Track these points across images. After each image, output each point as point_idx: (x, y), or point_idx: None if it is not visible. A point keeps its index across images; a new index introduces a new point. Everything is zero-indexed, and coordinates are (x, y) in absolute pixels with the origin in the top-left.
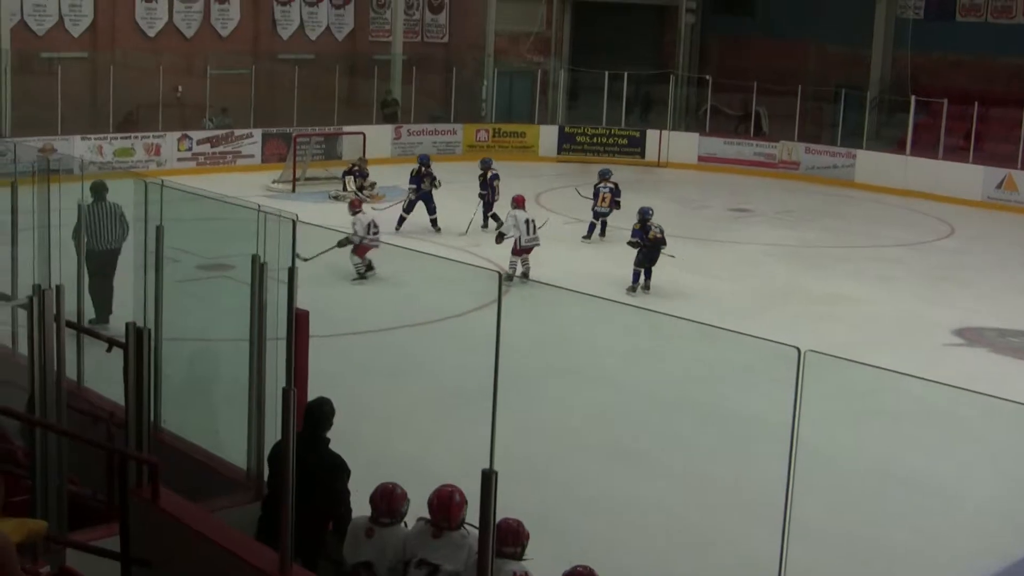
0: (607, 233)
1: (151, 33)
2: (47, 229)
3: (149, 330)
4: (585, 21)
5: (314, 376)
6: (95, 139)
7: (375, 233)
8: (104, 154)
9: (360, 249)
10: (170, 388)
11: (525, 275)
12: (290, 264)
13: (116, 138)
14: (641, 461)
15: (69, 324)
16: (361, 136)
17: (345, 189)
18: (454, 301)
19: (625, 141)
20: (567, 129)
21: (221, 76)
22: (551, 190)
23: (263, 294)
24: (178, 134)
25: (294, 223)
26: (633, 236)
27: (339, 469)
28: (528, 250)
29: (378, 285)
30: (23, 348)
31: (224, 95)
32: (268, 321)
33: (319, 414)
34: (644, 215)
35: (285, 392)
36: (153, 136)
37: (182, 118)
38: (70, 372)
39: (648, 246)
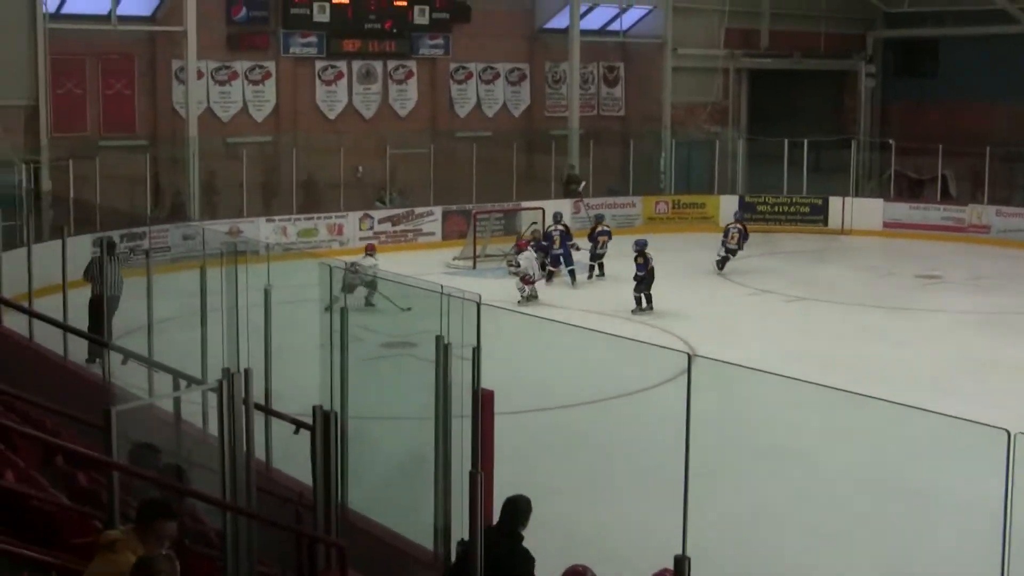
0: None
1: (331, 115)
2: (235, 311)
3: (335, 413)
4: (762, 89)
5: (498, 453)
6: (279, 220)
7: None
8: (288, 235)
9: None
10: (356, 468)
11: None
12: (474, 344)
13: (299, 219)
14: (843, 543)
15: (258, 407)
16: (540, 211)
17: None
18: (638, 376)
19: (807, 209)
20: (747, 198)
21: (400, 155)
22: (731, 260)
23: (448, 374)
24: (359, 213)
25: (478, 305)
26: (639, 271)
27: (529, 565)
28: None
29: (559, 361)
30: (213, 428)
31: (404, 174)
32: (453, 400)
33: (516, 510)
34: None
35: (472, 476)
36: (335, 216)
37: (363, 198)
38: (259, 453)
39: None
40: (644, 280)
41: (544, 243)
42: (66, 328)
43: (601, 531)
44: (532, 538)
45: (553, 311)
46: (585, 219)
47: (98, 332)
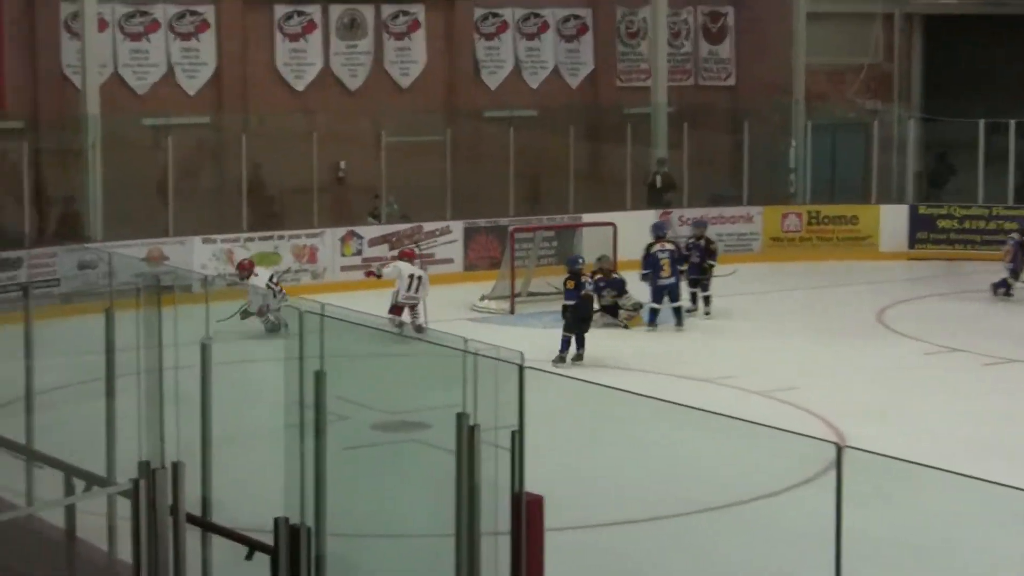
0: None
1: (299, 85)
2: (157, 374)
3: (309, 529)
4: (944, 45)
5: None
6: (222, 241)
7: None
8: (236, 261)
9: (395, 310)
10: None
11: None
12: (515, 426)
13: (253, 239)
14: None
15: (191, 519)
16: (610, 228)
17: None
18: (756, 475)
19: (1015, 225)
20: (922, 210)
21: (402, 145)
22: (902, 303)
23: (475, 470)
24: (342, 231)
25: (521, 368)
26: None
27: None
28: (404, 307)
29: (638, 452)
30: (124, 551)
31: (407, 173)
32: (483, 508)
33: None
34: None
35: None
36: (306, 236)
37: (347, 208)
38: None
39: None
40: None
41: (617, 276)
42: None
43: None
44: None
45: (626, 376)
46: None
47: None
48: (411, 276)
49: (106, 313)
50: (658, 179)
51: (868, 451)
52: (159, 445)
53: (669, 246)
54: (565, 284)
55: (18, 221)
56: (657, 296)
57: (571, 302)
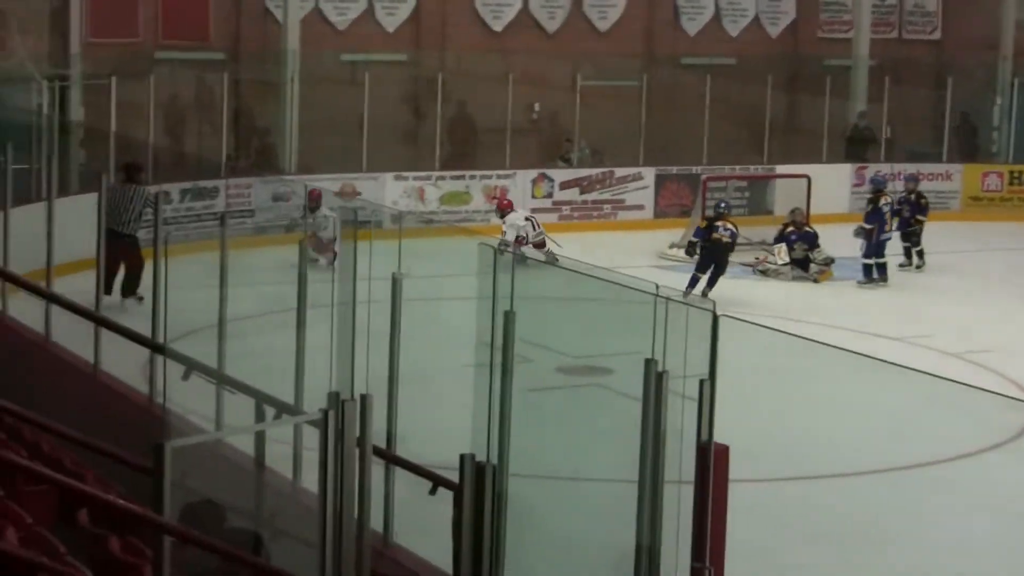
0: None
1: (497, 26)
2: (350, 308)
3: (494, 467)
4: None
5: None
6: (414, 179)
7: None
8: (427, 200)
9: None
10: (518, 550)
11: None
12: (704, 375)
13: (444, 177)
14: None
15: (377, 452)
16: (804, 180)
17: (777, 260)
18: (952, 436)
19: None
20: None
21: (598, 89)
22: None
23: (661, 417)
24: (533, 173)
25: (715, 316)
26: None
27: None
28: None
29: (831, 406)
30: (310, 481)
31: (602, 118)
32: (667, 457)
33: None
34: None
35: (696, 573)
36: (497, 176)
37: (540, 150)
38: (375, 521)
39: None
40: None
41: (809, 230)
42: (100, 321)
43: None
44: None
45: (815, 331)
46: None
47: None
48: (528, 219)
49: (299, 246)
50: (859, 132)
51: None
52: (348, 377)
53: (889, 200)
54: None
55: (216, 151)
56: (879, 251)
57: (696, 239)
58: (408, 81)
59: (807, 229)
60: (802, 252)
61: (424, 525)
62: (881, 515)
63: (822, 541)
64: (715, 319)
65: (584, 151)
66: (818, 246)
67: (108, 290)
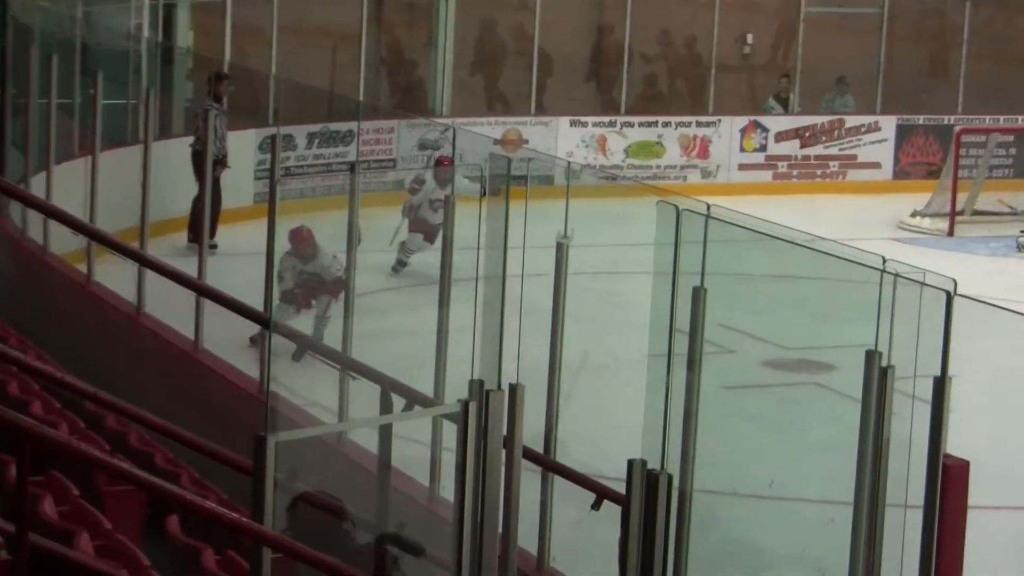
0: None
1: None
2: (500, 282)
3: (670, 476)
4: None
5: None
6: (594, 124)
7: None
8: (610, 151)
9: None
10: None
11: None
12: (942, 374)
13: (632, 124)
14: None
15: (529, 455)
16: None
17: None
18: None
19: None
20: None
21: (825, 18)
22: None
23: (885, 422)
24: (743, 120)
25: (949, 296)
26: None
27: None
28: None
29: None
30: (449, 491)
31: (826, 52)
32: (891, 473)
33: None
34: None
35: None
36: (696, 124)
37: (752, 92)
38: (526, 540)
39: None
40: None
41: None
42: (203, 291)
43: None
44: None
45: None
46: None
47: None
48: None
49: (445, 200)
50: None
51: None
52: (496, 364)
53: None
54: None
55: (353, 86)
56: None
57: None
58: (590, 6)
59: None
60: None
61: (587, 547)
62: None
63: None
64: (949, 300)
65: (782, 97)
66: None
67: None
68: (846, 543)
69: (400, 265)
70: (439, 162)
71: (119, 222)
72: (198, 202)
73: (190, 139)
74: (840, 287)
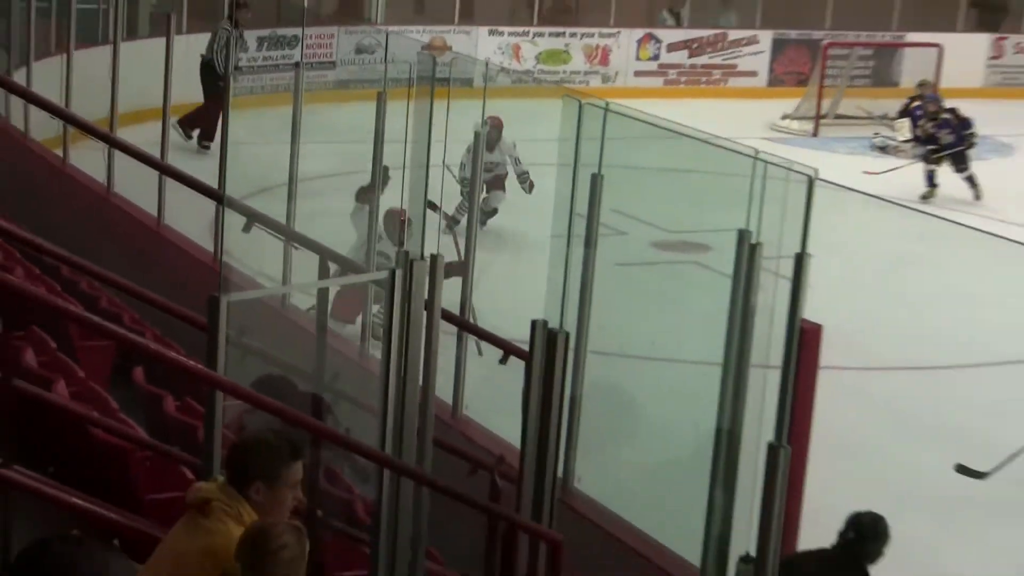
0: None
1: None
2: (424, 170)
3: (567, 335)
4: None
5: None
6: (510, 34)
7: None
8: (523, 58)
9: None
10: (592, 427)
11: None
12: (801, 250)
13: (543, 34)
14: None
15: (447, 317)
16: (935, 51)
17: (899, 136)
18: None
19: None
20: None
21: None
22: None
23: (751, 293)
24: (639, 32)
25: (811, 182)
26: None
27: None
28: None
29: (940, 292)
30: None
31: None
32: (757, 335)
33: (867, 534)
34: None
35: (772, 449)
36: (599, 34)
37: (649, 7)
38: (443, 391)
39: None
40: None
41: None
42: (165, 170)
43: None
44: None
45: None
46: None
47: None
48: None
49: (378, 99)
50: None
51: None
52: (420, 237)
53: None
54: None
55: None
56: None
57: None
58: None
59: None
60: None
61: (495, 397)
62: (993, 414)
63: (926, 437)
64: (811, 185)
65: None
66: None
67: (211, 137)
68: (715, 398)
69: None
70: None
71: (92, 113)
72: (202, 107)
73: (155, 40)
74: (719, 178)
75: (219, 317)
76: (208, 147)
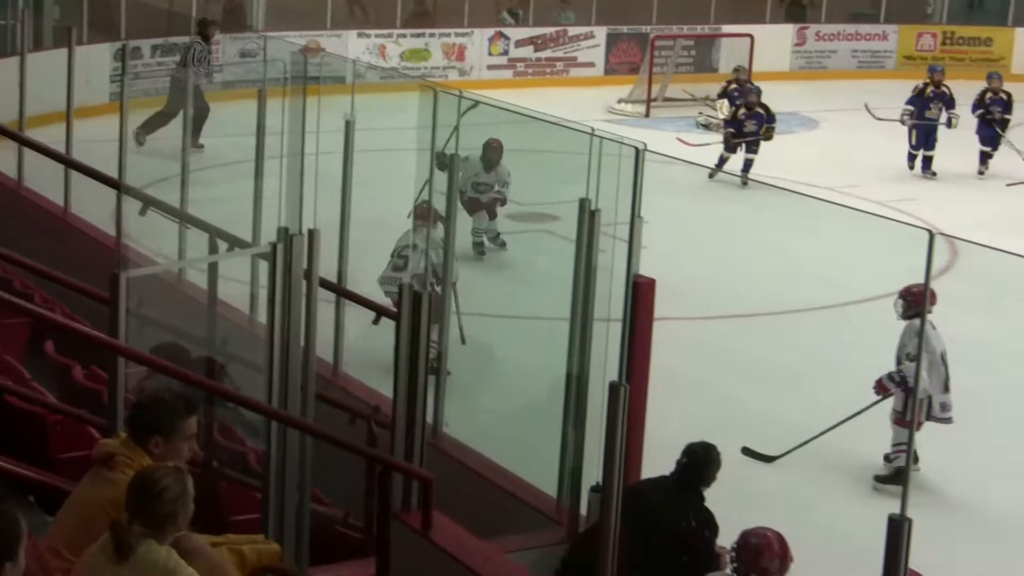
0: None
1: None
2: (300, 158)
3: (431, 295)
4: None
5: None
6: (376, 36)
7: None
8: (388, 57)
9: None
10: (459, 378)
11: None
12: (632, 213)
13: (405, 35)
14: None
15: (326, 285)
16: (747, 40)
17: (719, 115)
18: (868, 275)
19: None
20: None
21: None
22: None
23: (593, 254)
24: (490, 31)
25: (638, 153)
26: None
27: (710, 534)
28: None
29: (758, 248)
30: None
31: None
32: (598, 293)
33: (701, 461)
34: None
35: (613, 388)
36: (455, 34)
37: (497, 9)
38: (323, 351)
39: None
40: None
41: (752, 86)
42: (69, 163)
43: (800, 484)
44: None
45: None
46: None
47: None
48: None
49: (259, 96)
50: None
51: (969, 241)
52: (298, 216)
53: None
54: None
55: (187, 6)
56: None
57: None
58: None
59: (749, 86)
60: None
61: (370, 355)
62: (805, 352)
63: (748, 371)
64: (638, 155)
65: (512, 13)
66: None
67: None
68: (565, 348)
69: (478, 247)
70: (487, 144)
71: (3, 116)
72: (161, 113)
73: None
74: (563, 156)
75: (119, 292)
76: (202, 146)
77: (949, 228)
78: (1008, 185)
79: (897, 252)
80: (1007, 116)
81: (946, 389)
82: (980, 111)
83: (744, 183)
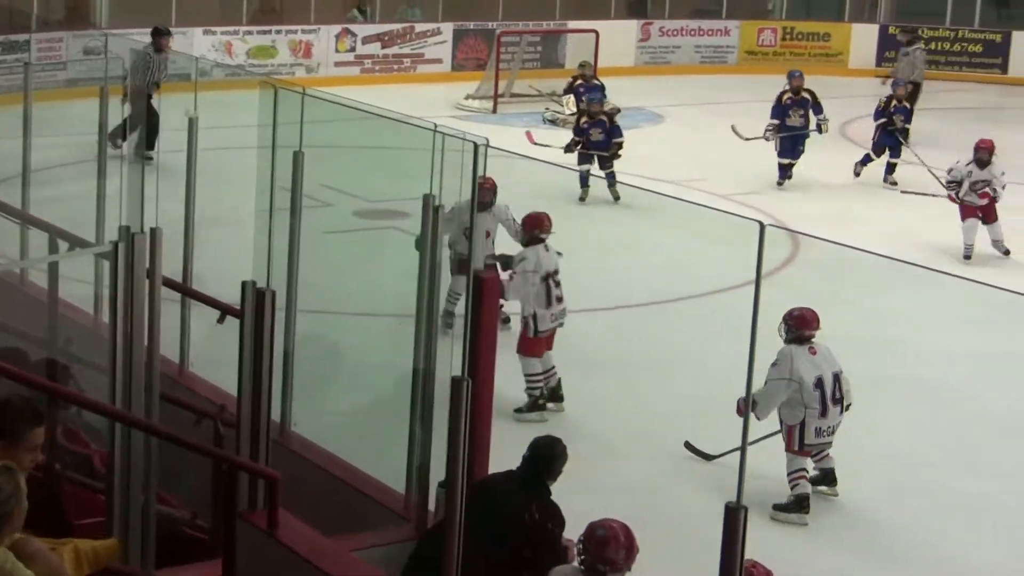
0: None
1: None
2: (141, 156)
3: (274, 292)
4: None
5: (511, 368)
6: (222, 33)
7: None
8: (235, 54)
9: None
10: (305, 377)
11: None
12: (472, 209)
13: (252, 32)
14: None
15: (170, 284)
16: (592, 35)
17: (566, 110)
18: (719, 267)
19: (979, 48)
20: (892, 30)
21: None
22: (865, 118)
23: (437, 248)
24: (336, 28)
25: (476, 148)
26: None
27: (555, 527)
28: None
29: (610, 243)
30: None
31: None
32: (443, 287)
33: (548, 455)
34: None
35: (455, 382)
36: (302, 31)
37: (343, 6)
38: (169, 350)
39: None
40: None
41: (597, 82)
42: None
43: (651, 477)
44: (558, 484)
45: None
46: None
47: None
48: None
49: (100, 94)
50: None
51: (788, 229)
52: (140, 215)
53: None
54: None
55: (27, 4)
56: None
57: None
58: None
59: (595, 81)
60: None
61: (216, 354)
62: (657, 344)
63: (595, 364)
64: (476, 150)
65: (362, 10)
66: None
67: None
68: (411, 343)
69: (448, 316)
70: (482, 184)
71: None
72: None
73: None
74: (409, 152)
75: None
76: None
77: (793, 222)
78: (903, 192)
79: (739, 245)
80: (907, 126)
81: (823, 415)
82: (883, 120)
83: (616, 198)
